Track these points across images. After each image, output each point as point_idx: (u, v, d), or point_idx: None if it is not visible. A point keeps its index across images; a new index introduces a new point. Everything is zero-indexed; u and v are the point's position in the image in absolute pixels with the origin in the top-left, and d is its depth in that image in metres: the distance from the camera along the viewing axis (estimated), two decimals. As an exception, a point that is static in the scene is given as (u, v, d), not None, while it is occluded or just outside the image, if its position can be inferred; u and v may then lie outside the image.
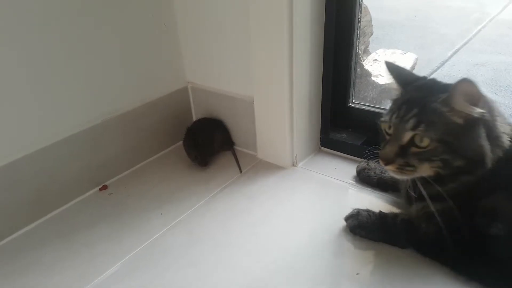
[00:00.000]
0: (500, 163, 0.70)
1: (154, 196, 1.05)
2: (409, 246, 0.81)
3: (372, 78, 1.60)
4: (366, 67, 1.65)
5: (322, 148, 1.19)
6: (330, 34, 1.04)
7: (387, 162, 0.73)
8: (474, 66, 2.07)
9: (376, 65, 1.81)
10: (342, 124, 1.17)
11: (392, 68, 0.82)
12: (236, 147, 1.23)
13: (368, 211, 0.87)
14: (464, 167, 0.69)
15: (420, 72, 1.95)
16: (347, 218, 0.88)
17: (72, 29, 0.96)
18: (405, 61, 1.88)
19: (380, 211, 0.86)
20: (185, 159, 1.17)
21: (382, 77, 1.60)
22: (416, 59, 1.94)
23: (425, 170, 0.72)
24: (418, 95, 0.74)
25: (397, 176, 0.75)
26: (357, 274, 0.78)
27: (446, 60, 2.16)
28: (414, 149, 0.71)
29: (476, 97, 0.66)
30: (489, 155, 0.68)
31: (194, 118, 1.31)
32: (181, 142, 1.20)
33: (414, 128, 0.70)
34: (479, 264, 0.72)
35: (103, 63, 1.04)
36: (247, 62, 1.07)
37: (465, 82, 0.65)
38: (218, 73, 1.19)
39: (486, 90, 1.78)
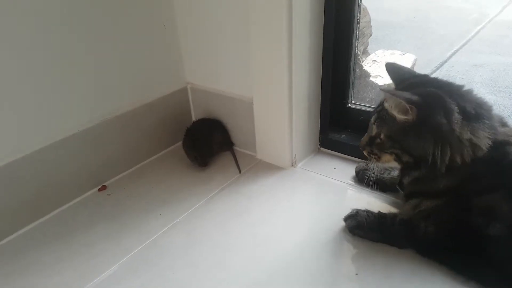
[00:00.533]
0: (492, 162, 0.71)
1: (153, 196, 1.05)
2: (408, 246, 0.81)
3: (371, 78, 1.60)
4: (365, 68, 1.65)
5: (321, 148, 1.19)
6: (329, 35, 1.04)
7: (361, 148, 0.87)
8: (473, 67, 2.07)
9: (375, 66, 1.81)
10: (341, 125, 1.17)
11: (390, 68, 0.87)
12: (236, 148, 1.23)
13: (367, 211, 0.87)
14: (412, 163, 0.79)
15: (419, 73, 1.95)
16: (346, 219, 0.89)
17: (72, 29, 0.96)
18: (404, 62, 1.88)
19: (379, 212, 0.86)
20: (184, 159, 1.17)
21: (381, 78, 1.60)
22: (415, 59, 1.94)
23: (387, 160, 0.84)
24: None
25: (370, 162, 0.87)
26: (356, 274, 0.78)
27: (445, 61, 2.17)
28: (377, 140, 0.83)
29: (404, 109, 0.74)
30: (432, 156, 0.74)
31: (194, 119, 1.31)
32: (180, 143, 1.21)
33: (374, 122, 0.83)
34: (478, 264, 0.72)
35: (103, 64, 1.05)
36: (247, 62, 1.07)
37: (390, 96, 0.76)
38: (218, 73, 1.19)
39: (484, 91, 1.80)
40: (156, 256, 0.86)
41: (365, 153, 0.86)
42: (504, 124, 0.77)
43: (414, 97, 0.73)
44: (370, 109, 1.12)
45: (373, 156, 0.85)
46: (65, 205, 1.03)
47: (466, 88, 0.78)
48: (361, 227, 0.86)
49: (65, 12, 0.94)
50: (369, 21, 1.81)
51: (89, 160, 1.06)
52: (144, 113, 1.17)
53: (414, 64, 1.93)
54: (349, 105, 1.14)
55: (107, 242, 0.91)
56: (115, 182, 1.12)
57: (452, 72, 2.03)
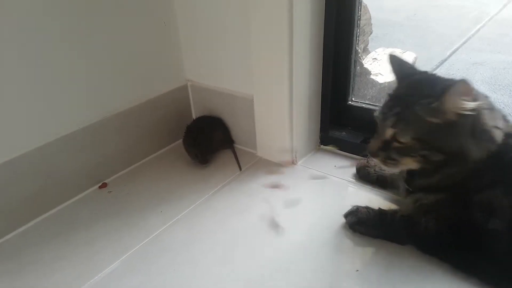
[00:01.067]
0: (495, 158, 0.70)
1: (153, 194, 1.05)
2: (408, 242, 0.81)
3: (372, 76, 1.60)
4: (365, 65, 1.65)
5: (322, 146, 1.19)
6: (330, 32, 1.04)
7: (372, 155, 0.79)
8: (473, 65, 2.07)
9: (376, 64, 1.81)
10: (341, 122, 1.17)
11: (394, 61, 0.83)
12: (236, 145, 1.23)
13: (367, 208, 0.87)
14: (444, 161, 0.73)
15: (419, 70, 1.95)
16: (346, 215, 0.89)
17: (71, 27, 0.96)
18: (405, 60, 1.88)
19: (380, 208, 0.86)
20: (184, 157, 1.17)
21: (382, 76, 1.60)
22: (415, 58, 1.94)
23: (408, 163, 0.76)
24: (406, 92, 0.77)
25: (385, 168, 0.80)
26: (357, 270, 0.78)
27: (445, 59, 2.17)
28: (395, 144, 0.75)
29: (471, 96, 0.69)
30: (471, 151, 0.71)
31: (194, 116, 1.31)
32: (180, 140, 1.21)
33: (394, 125, 0.75)
34: (479, 260, 0.72)
35: (103, 61, 1.04)
36: (247, 60, 1.07)
37: (462, 83, 0.68)
38: (218, 71, 1.19)
39: (485, 89, 1.80)
40: (157, 253, 0.86)
41: (377, 159, 0.79)
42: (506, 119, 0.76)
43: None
44: (371, 107, 1.12)
45: (390, 162, 0.77)
46: (65, 203, 1.03)
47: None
48: (361, 223, 0.86)
49: (65, 10, 0.94)
50: (370, 19, 1.81)
51: (89, 157, 1.06)
52: (144, 111, 1.17)
53: (414, 63, 1.93)
54: (350, 102, 1.14)
55: (107, 239, 0.91)
56: (115, 180, 1.12)
57: (452, 71, 2.03)
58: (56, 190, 1.01)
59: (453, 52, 2.27)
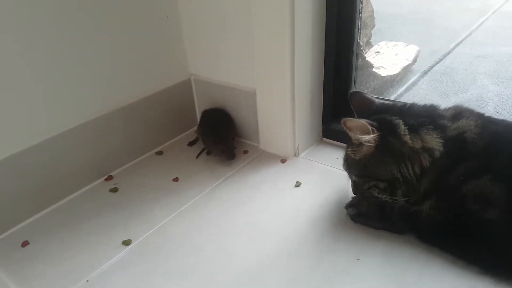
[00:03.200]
0: (455, 154, 0.76)
1: (158, 186, 1.07)
2: (408, 232, 0.82)
3: (374, 69, 1.60)
4: (368, 59, 1.66)
5: (324, 138, 1.20)
6: (332, 26, 1.05)
7: (357, 195, 0.90)
8: (477, 58, 2.07)
9: (378, 57, 1.82)
10: (343, 115, 1.17)
11: (353, 99, 0.92)
12: (239, 138, 1.25)
13: (368, 199, 0.88)
14: (389, 187, 0.83)
15: (422, 64, 1.96)
16: (347, 207, 0.90)
17: (76, 21, 0.97)
18: (407, 53, 1.89)
19: (380, 200, 0.87)
20: (188, 150, 1.19)
21: (384, 69, 1.61)
22: (418, 51, 1.94)
23: (373, 193, 0.85)
24: None
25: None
26: (358, 259, 0.79)
27: (449, 52, 2.16)
28: (356, 184, 0.89)
29: (366, 130, 0.79)
30: (400, 173, 0.80)
31: (197, 110, 1.32)
32: (183, 134, 1.22)
33: (346, 169, 0.91)
34: (478, 248, 0.74)
35: (107, 56, 1.06)
36: (250, 54, 1.08)
37: (346, 121, 0.82)
38: (221, 65, 1.20)
39: (488, 82, 1.80)
40: (162, 243, 0.88)
41: (362, 197, 0.89)
42: (456, 119, 0.81)
43: (373, 122, 0.81)
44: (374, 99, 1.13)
45: (366, 194, 0.87)
46: (72, 195, 1.05)
47: (408, 103, 0.86)
48: (362, 215, 0.87)
49: (69, 4, 0.95)
50: (372, 13, 1.81)
51: (94, 151, 1.08)
52: (148, 105, 1.18)
53: (417, 56, 1.94)
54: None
55: (113, 230, 0.93)
56: (121, 173, 1.14)
57: (456, 64, 2.03)
58: (63, 182, 1.03)
59: (457, 45, 2.26)
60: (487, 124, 0.79)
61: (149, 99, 1.18)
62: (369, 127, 0.79)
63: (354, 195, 0.91)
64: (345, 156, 0.90)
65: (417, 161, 0.79)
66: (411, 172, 0.80)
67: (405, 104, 0.87)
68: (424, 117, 0.81)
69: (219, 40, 1.16)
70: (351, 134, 0.83)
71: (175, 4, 1.17)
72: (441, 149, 0.77)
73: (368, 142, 0.81)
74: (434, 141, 0.78)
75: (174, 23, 1.19)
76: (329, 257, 0.81)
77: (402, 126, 0.80)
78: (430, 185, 0.79)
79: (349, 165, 0.88)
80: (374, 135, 0.79)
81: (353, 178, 0.89)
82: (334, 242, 0.84)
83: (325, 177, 1.05)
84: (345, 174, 1.04)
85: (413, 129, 0.79)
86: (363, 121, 0.80)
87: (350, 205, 0.90)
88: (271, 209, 0.96)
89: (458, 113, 0.82)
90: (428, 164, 0.78)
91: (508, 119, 0.83)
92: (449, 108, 0.85)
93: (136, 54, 1.13)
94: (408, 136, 0.79)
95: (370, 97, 0.91)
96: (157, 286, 0.78)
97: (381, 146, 0.80)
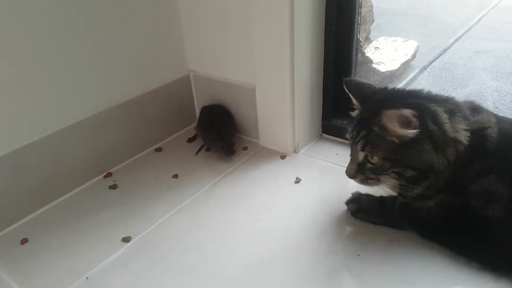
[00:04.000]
0: (473, 151, 0.73)
1: (157, 183, 1.07)
2: (409, 228, 0.82)
3: (374, 65, 1.60)
4: (367, 54, 1.65)
5: (324, 134, 1.20)
6: (331, 21, 1.04)
7: (351, 178, 0.83)
8: (476, 53, 2.06)
9: (378, 52, 1.81)
10: (343, 111, 1.17)
11: (350, 85, 0.86)
12: (238, 134, 1.24)
13: (368, 195, 0.88)
14: (417, 175, 0.76)
15: (421, 59, 1.96)
16: (347, 202, 0.90)
17: (75, 18, 0.96)
18: (407, 49, 1.88)
19: (381, 195, 0.87)
20: (187, 146, 1.18)
21: (384, 64, 1.60)
22: (418, 46, 1.94)
23: (387, 180, 0.80)
24: (368, 114, 0.80)
25: (367, 187, 0.83)
26: (358, 255, 0.79)
27: (448, 48, 2.16)
28: (368, 165, 0.80)
29: (407, 122, 0.71)
30: (438, 163, 0.74)
31: (197, 106, 1.31)
32: (183, 131, 1.21)
33: (363, 149, 0.79)
34: (479, 244, 0.74)
35: (105, 52, 1.05)
36: (249, 49, 1.07)
37: (392, 111, 0.72)
38: (220, 61, 1.19)
39: (487, 77, 1.79)
40: (162, 239, 0.88)
41: (357, 181, 0.82)
42: (475, 112, 0.78)
43: (413, 111, 0.72)
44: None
45: (370, 181, 0.81)
46: (72, 192, 1.05)
47: (426, 90, 0.81)
48: (362, 210, 0.87)
49: (68, 0, 0.94)
50: (371, 8, 1.80)
51: (93, 147, 1.08)
52: (147, 101, 1.18)
53: (416, 51, 1.93)
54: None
55: (113, 226, 0.92)
56: (120, 170, 1.14)
57: (455, 59, 2.02)
58: (62, 179, 1.03)
59: (456, 40, 2.26)
60: (499, 122, 0.77)
61: (148, 96, 1.18)
62: (413, 118, 0.71)
63: (354, 192, 0.91)
64: (364, 132, 0.78)
65: (452, 147, 0.74)
66: (445, 162, 0.74)
67: (421, 90, 0.82)
68: (452, 104, 0.77)
69: (218, 36, 1.15)
70: (388, 125, 0.74)
71: (174, 0, 1.17)
72: (466, 143, 0.74)
73: (407, 134, 0.73)
74: (463, 133, 0.74)
75: (173, 19, 1.19)
76: (330, 253, 0.81)
77: (444, 114, 0.74)
78: (448, 179, 0.76)
79: (376, 144, 0.76)
80: (411, 128, 0.72)
81: (372, 159, 0.78)
82: (334, 238, 0.84)
83: (325, 173, 1.05)
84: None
85: (452, 115, 0.75)
86: (406, 113, 0.71)
87: (350, 201, 0.90)
88: (271, 205, 0.96)
89: (475, 106, 0.79)
90: (455, 156, 0.74)
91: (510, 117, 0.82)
92: (463, 101, 0.81)
93: (135, 50, 1.12)
94: (449, 124, 0.74)
95: (366, 82, 0.88)
96: (157, 283, 0.78)
97: (422, 131, 0.72)
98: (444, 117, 0.74)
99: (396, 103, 0.76)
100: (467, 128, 0.74)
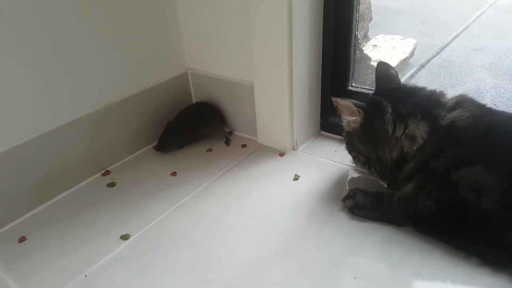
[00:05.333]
0: (443, 141, 0.78)
1: (155, 180, 1.06)
2: (406, 224, 0.82)
3: (372, 62, 1.60)
4: (365, 52, 1.65)
5: (322, 132, 1.20)
6: (329, 18, 1.04)
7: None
8: (474, 51, 2.07)
9: (376, 50, 1.81)
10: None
11: (380, 69, 0.94)
12: (237, 132, 1.25)
13: (364, 191, 0.88)
14: (366, 161, 0.91)
15: (419, 57, 1.96)
16: (344, 199, 0.90)
17: (72, 16, 0.96)
18: (405, 46, 1.89)
19: (377, 191, 0.88)
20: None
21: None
22: (416, 44, 1.94)
23: (355, 158, 0.95)
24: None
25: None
26: (356, 251, 0.79)
27: (446, 45, 2.16)
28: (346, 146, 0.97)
29: (353, 111, 0.86)
30: (374, 155, 0.87)
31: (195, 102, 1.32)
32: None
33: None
34: (476, 238, 0.74)
35: (103, 49, 1.05)
36: (247, 47, 1.07)
37: (343, 101, 0.86)
38: (218, 58, 1.19)
39: (485, 75, 1.80)
40: (160, 237, 0.88)
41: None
42: (454, 108, 0.81)
43: (361, 103, 0.86)
44: (371, 92, 1.12)
45: (352, 158, 0.97)
46: (70, 190, 1.05)
47: (417, 88, 0.88)
48: (359, 207, 0.87)
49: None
50: (369, 5, 1.80)
51: (91, 145, 1.07)
52: (145, 99, 1.18)
53: (414, 49, 1.94)
54: (350, 88, 1.15)
55: (111, 224, 0.92)
56: (118, 167, 1.13)
57: (453, 57, 2.03)
58: (59, 177, 1.02)
59: (454, 38, 2.26)
60: (485, 115, 0.79)
61: (146, 93, 1.18)
62: (355, 109, 0.85)
63: (351, 188, 0.91)
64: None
65: (397, 146, 0.82)
66: (387, 155, 0.85)
67: (414, 88, 0.89)
68: (419, 106, 0.82)
69: (216, 33, 1.15)
70: (342, 113, 0.89)
71: (171, -3, 1.16)
72: (425, 136, 0.79)
73: (354, 122, 0.87)
74: (418, 130, 0.80)
75: (171, 16, 1.18)
76: (328, 249, 0.81)
77: (389, 115, 0.83)
78: (414, 168, 0.81)
79: (344, 132, 0.95)
80: (358, 117, 0.86)
81: (345, 143, 0.97)
82: (332, 235, 0.84)
83: (324, 170, 1.05)
84: (343, 167, 1.05)
85: (401, 117, 0.82)
86: (351, 103, 0.85)
87: (347, 197, 0.90)
88: (270, 202, 0.96)
89: (459, 102, 0.83)
90: (408, 149, 0.81)
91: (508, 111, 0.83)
92: (453, 97, 0.85)
93: (133, 48, 1.12)
94: (392, 125, 0.82)
95: (394, 72, 0.94)
96: (156, 280, 0.78)
97: (366, 126, 0.86)
98: (388, 117, 0.83)
99: (383, 93, 0.88)
100: (426, 125, 0.80)
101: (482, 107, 0.83)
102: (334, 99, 0.86)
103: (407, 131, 0.81)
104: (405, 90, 0.88)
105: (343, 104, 0.86)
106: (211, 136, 1.21)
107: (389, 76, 0.93)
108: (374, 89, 0.96)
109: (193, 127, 1.18)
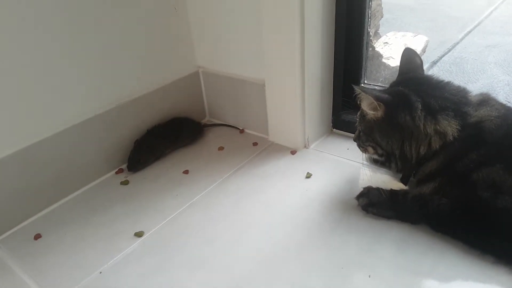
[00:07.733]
0: (472, 140, 0.76)
1: (168, 178, 1.07)
2: (421, 222, 0.82)
3: (383, 60, 1.59)
4: (377, 49, 1.64)
5: (334, 129, 1.20)
6: (342, 15, 1.04)
7: (354, 140, 0.95)
8: (486, 48, 2.04)
9: (387, 48, 1.80)
10: (353, 105, 1.16)
11: (405, 55, 0.90)
12: (248, 130, 1.25)
13: (378, 189, 0.88)
14: (386, 155, 0.86)
15: (431, 54, 1.94)
16: (358, 197, 0.90)
17: (86, 15, 0.97)
18: (416, 44, 1.87)
19: (391, 189, 0.87)
20: (198, 143, 1.19)
21: (394, 59, 1.59)
22: (427, 41, 1.92)
23: (370, 152, 0.90)
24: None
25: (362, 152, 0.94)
26: (370, 249, 0.79)
27: (458, 42, 2.14)
28: (360, 134, 0.91)
29: (373, 104, 0.81)
30: (398, 151, 0.83)
31: (206, 102, 1.32)
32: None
33: (357, 118, 0.91)
34: (492, 237, 0.73)
35: (116, 49, 1.06)
36: (258, 45, 1.07)
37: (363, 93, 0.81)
38: (229, 57, 1.19)
39: (498, 72, 1.77)
40: (174, 234, 0.88)
41: (357, 145, 0.94)
42: (480, 106, 0.80)
43: (384, 95, 0.81)
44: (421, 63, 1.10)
45: (362, 149, 0.93)
46: (84, 187, 1.06)
47: (444, 82, 0.84)
48: (373, 205, 0.87)
49: (79, -4, 0.95)
50: (380, 2, 1.79)
51: (105, 144, 1.08)
52: (157, 98, 1.18)
53: (426, 46, 1.91)
54: (362, 85, 1.14)
55: (125, 221, 0.93)
56: (131, 166, 1.14)
57: (465, 54, 2.00)
58: (74, 175, 1.04)
59: (466, 35, 2.23)
60: (508, 115, 0.78)
61: (158, 92, 1.18)
62: (376, 103, 0.80)
63: (365, 186, 0.91)
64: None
65: (426, 142, 0.79)
66: (413, 151, 0.81)
67: (441, 81, 0.85)
68: (449, 102, 0.80)
69: (227, 32, 1.15)
70: (361, 102, 0.84)
71: (182, -4, 1.17)
72: (456, 134, 0.77)
73: (374, 115, 0.83)
74: (450, 127, 0.77)
75: (182, 15, 1.19)
76: (342, 247, 0.81)
77: (419, 111, 0.79)
78: (438, 167, 0.79)
79: (362, 117, 0.88)
80: (379, 111, 0.81)
81: (359, 128, 0.91)
82: (346, 233, 0.84)
83: (336, 168, 1.05)
84: (356, 165, 1.04)
85: (432, 113, 0.79)
86: (371, 96, 0.80)
87: (360, 195, 0.89)
88: (282, 200, 0.95)
89: (484, 100, 0.81)
90: (438, 146, 0.78)
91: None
92: (477, 94, 0.84)
93: (144, 47, 1.12)
94: (423, 120, 0.78)
95: (419, 60, 0.90)
96: (169, 277, 0.79)
97: (391, 118, 0.81)
98: (419, 113, 0.79)
99: (405, 84, 0.84)
100: (457, 122, 0.77)
101: (505, 106, 0.81)
102: (355, 87, 0.81)
103: (438, 127, 0.78)
104: (433, 83, 0.84)
105: (363, 95, 0.81)
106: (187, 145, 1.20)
107: (414, 64, 0.89)
108: (397, 76, 0.92)
109: (161, 143, 1.15)
